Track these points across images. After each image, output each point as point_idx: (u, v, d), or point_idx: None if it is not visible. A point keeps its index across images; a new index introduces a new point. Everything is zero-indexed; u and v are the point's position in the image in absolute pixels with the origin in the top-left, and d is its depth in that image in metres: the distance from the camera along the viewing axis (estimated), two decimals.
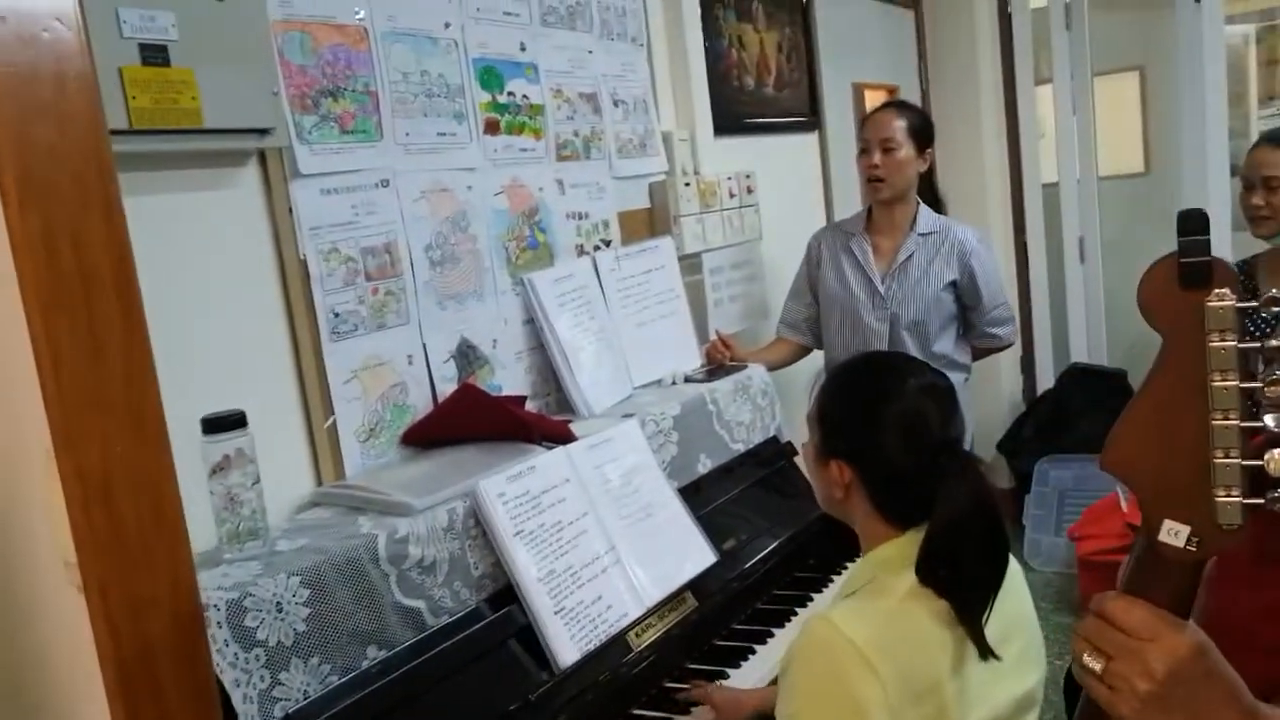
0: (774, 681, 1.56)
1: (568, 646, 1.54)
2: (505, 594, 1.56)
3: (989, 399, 3.97)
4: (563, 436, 1.79)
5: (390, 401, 1.77)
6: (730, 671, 1.70)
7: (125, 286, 0.76)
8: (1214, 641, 1.89)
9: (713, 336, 2.50)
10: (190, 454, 1.32)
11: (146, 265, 1.37)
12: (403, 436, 1.78)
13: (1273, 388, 0.64)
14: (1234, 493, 0.65)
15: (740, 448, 2.19)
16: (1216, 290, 0.65)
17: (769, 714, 1.27)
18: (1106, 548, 2.98)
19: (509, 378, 2.00)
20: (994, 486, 1.18)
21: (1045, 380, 4.19)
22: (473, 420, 1.80)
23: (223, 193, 1.50)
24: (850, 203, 3.28)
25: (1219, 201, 3.74)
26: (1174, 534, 0.67)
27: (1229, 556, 1.75)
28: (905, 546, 1.18)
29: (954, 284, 2.50)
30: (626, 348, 2.21)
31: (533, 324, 2.05)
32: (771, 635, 1.81)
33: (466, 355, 1.91)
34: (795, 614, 1.88)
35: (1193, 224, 0.66)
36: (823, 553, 2.07)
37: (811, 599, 1.95)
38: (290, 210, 1.58)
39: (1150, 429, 0.69)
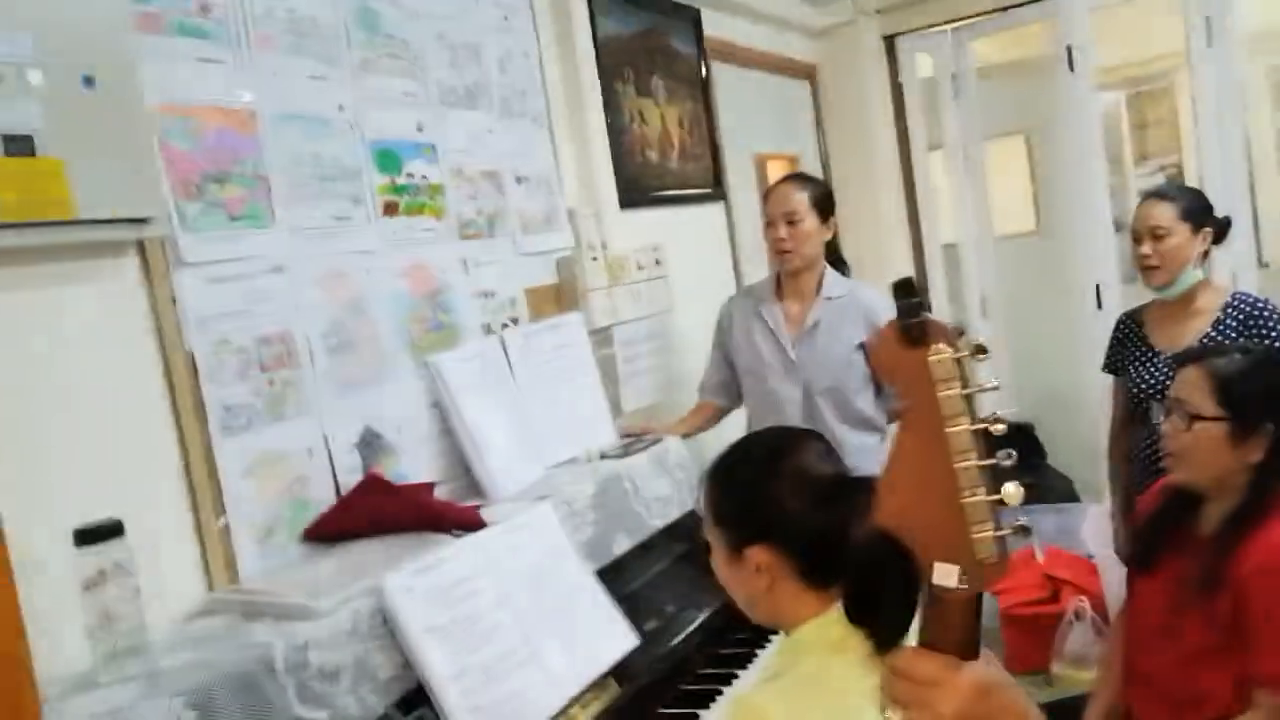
0: None
1: None
2: (417, 696, 1.48)
3: None
4: (473, 524, 1.73)
5: (290, 497, 1.68)
6: None
7: None
8: (1136, 691, 1.91)
9: (626, 411, 2.48)
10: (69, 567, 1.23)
11: (14, 366, 1.29)
12: (304, 533, 1.69)
13: (996, 425, 0.69)
14: (986, 527, 0.70)
15: (659, 523, 2.14)
16: (935, 345, 0.70)
17: None
18: (1026, 599, 2.99)
19: (416, 465, 1.92)
20: None
21: None
22: (379, 512, 1.72)
23: (99, 285, 1.42)
24: (758, 271, 3.31)
25: (1106, 255, 3.91)
26: (946, 575, 0.72)
27: (1144, 609, 1.78)
28: (826, 625, 1.16)
29: (863, 346, 2.52)
30: (538, 426, 2.16)
31: (439, 408, 1.98)
32: (697, 717, 1.75)
33: (371, 444, 1.84)
34: (721, 693, 1.83)
35: (905, 290, 0.72)
36: (746, 627, 2.02)
37: (737, 676, 1.89)
38: (174, 301, 1.50)
39: (907, 479, 0.73)
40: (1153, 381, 2.33)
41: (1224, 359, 1.71)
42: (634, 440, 2.31)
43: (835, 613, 1.15)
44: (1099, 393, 2.88)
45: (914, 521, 0.73)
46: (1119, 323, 2.55)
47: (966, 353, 0.70)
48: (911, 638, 1.12)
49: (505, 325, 2.22)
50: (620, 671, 1.74)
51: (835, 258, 2.65)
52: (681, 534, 2.18)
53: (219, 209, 1.60)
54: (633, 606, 1.86)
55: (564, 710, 1.61)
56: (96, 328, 1.42)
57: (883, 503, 0.76)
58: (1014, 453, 0.70)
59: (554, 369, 2.26)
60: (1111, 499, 2.65)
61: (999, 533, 0.70)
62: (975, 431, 0.70)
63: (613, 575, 1.91)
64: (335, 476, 1.76)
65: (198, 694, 1.22)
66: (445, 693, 1.47)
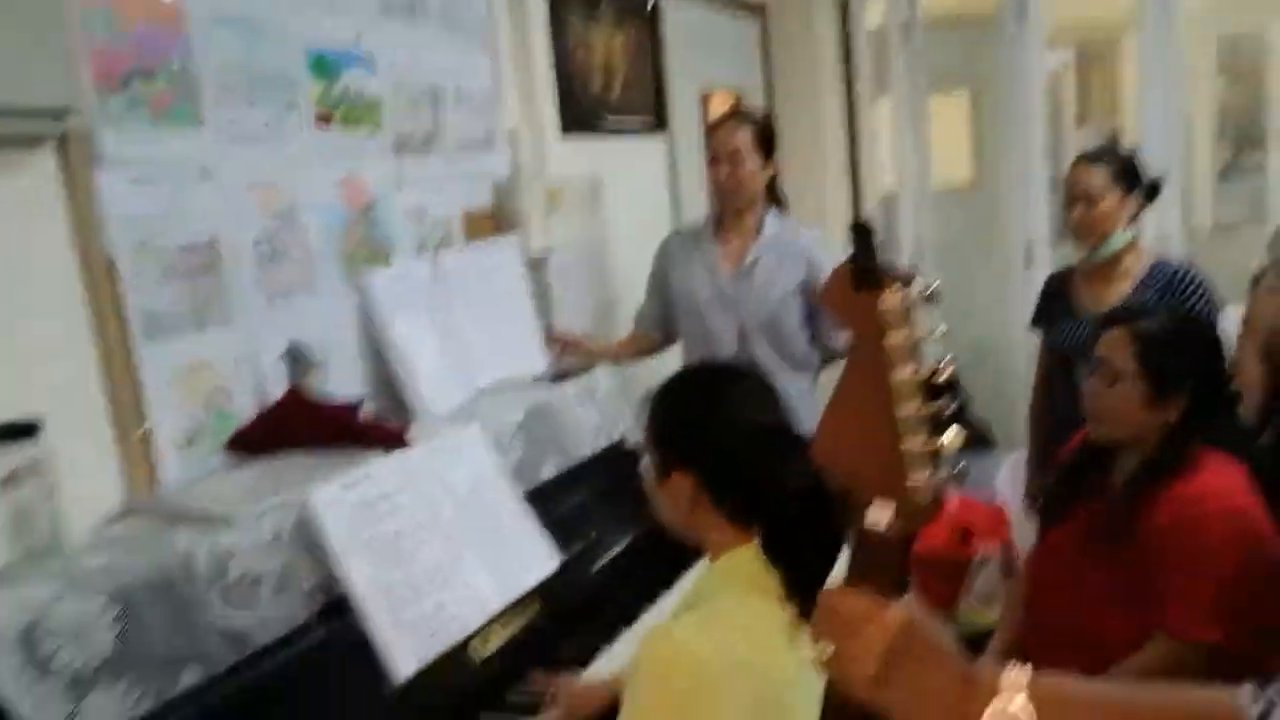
0: None
1: (406, 659, 1.48)
2: (339, 607, 1.49)
3: (826, 394, 4.07)
4: (400, 442, 1.72)
5: (213, 407, 1.66)
6: (576, 673, 1.67)
7: None
8: (1037, 632, 1.98)
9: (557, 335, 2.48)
10: None
11: None
12: (227, 444, 1.68)
13: (942, 373, 0.70)
14: (923, 472, 0.71)
15: (586, 452, 2.17)
16: (887, 289, 0.70)
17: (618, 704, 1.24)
18: (938, 544, 3.10)
19: (343, 381, 1.91)
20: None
21: None
22: (304, 426, 1.71)
23: (12, 180, 1.36)
24: (697, 205, 3.31)
25: (1039, 214, 3.99)
26: (879, 517, 0.72)
27: (1052, 555, 1.85)
28: (750, 551, 1.17)
29: (801, 287, 2.55)
30: (468, 350, 2.15)
31: (369, 325, 1.96)
32: (617, 638, 1.79)
33: (297, 358, 1.81)
34: (640, 617, 1.87)
35: (861, 232, 0.72)
36: (668, 555, 2.05)
37: (657, 601, 1.94)
38: (93, 201, 1.45)
39: (848, 420, 0.74)
40: (1075, 339, 2.40)
41: (1148, 320, 1.76)
42: (564, 370, 2.32)
43: (753, 549, 1.17)
44: (1023, 347, 2.96)
45: (851, 461, 0.74)
46: (1047, 281, 2.62)
47: (918, 298, 0.70)
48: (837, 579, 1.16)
49: (439, 246, 2.19)
50: (542, 592, 1.77)
51: (774, 196, 2.67)
52: (608, 463, 2.21)
53: (143, 107, 1.54)
54: (557, 530, 1.88)
55: (485, 627, 1.63)
56: (10, 223, 1.36)
57: (821, 440, 0.76)
58: (958, 400, 0.70)
59: (486, 293, 2.25)
60: (1028, 449, 2.74)
61: (935, 478, 0.71)
62: (920, 377, 0.70)
63: (538, 500, 1.93)
64: (260, 388, 1.74)
65: (118, 594, 1.21)
66: (368, 606, 1.48)
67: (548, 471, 2.05)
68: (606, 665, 1.70)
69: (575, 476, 2.11)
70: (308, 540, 1.49)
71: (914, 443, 0.70)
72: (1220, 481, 1.65)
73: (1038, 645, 1.84)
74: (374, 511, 1.58)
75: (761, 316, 2.53)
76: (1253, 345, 2.57)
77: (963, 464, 0.71)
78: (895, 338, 0.70)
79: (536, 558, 1.81)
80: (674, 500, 1.23)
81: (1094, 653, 1.69)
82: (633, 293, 2.74)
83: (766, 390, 1.26)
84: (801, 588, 1.14)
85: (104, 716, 1.16)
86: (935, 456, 0.71)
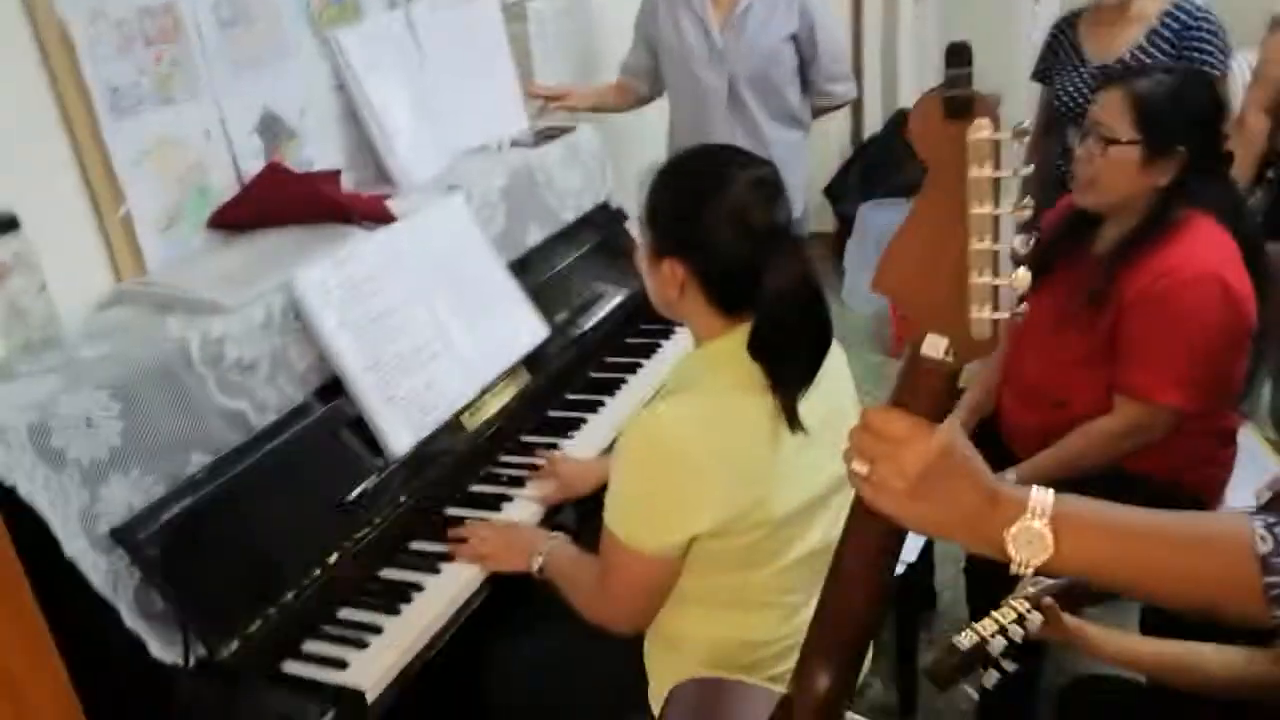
0: None
1: (401, 434, 1.55)
2: (333, 387, 1.54)
3: (816, 142, 3.99)
4: (382, 217, 1.71)
5: (190, 184, 1.63)
6: (563, 442, 1.76)
7: None
8: (1010, 390, 2.03)
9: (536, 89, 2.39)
10: None
11: None
12: (209, 222, 1.66)
13: (1019, 212, 0.69)
14: (986, 309, 0.71)
15: (571, 216, 2.15)
16: (977, 122, 0.67)
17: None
18: None
19: (321, 150, 1.86)
20: (817, 269, 1.21)
21: (873, 125, 4.24)
22: (285, 202, 1.69)
23: None
24: None
25: None
26: (935, 347, 0.73)
27: (1031, 324, 1.90)
28: (735, 341, 1.20)
29: (794, 37, 2.44)
30: (447, 111, 2.07)
31: (343, 89, 1.88)
32: (603, 404, 1.87)
33: (272, 128, 1.76)
34: (625, 382, 1.95)
35: (959, 57, 0.68)
36: (653, 318, 2.10)
37: (642, 365, 2.01)
38: None
39: (917, 251, 0.73)
40: (1075, 95, 2.31)
41: (1147, 80, 1.69)
42: (546, 130, 2.25)
43: (738, 340, 1.19)
44: (1023, 95, 2.85)
45: (915, 290, 0.73)
46: (1054, 27, 2.49)
47: (1008, 135, 0.67)
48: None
49: None
50: (531, 360, 1.83)
51: None
52: (593, 227, 2.20)
53: None
54: (543, 298, 1.91)
55: (477, 398, 1.70)
56: None
57: (887, 267, 0.75)
58: (1031, 240, 0.69)
59: (463, 48, 2.13)
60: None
61: (997, 315, 0.70)
62: (997, 215, 0.68)
63: (523, 267, 1.94)
64: (236, 162, 1.70)
65: (119, 385, 1.25)
66: (360, 384, 1.53)
67: (532, 238, 2.04)
68: (592, 433, 1.79)
69: (560, 240, 2.11)
70: (298, 322, 1.51)
71: (981, 278, 0.70)
72: (1202, 247, 1.65)
73: (1009, 403, 1.92)
74: (360, 291, 1.59)
75: (752, 68, 2.43)
76: (1260, 96, 2.49)
77: (1023, 306, 0.71)
78: (979, 172, 0.68)
79: (525, 327, 1.84)
80: (664, 284, 1.24)
81: (1062, 412, 1.77)
82: (618, 43, 2.61)
83: (768, 183, 1.22)
84: (785, 384, 1.19)
85: (120, 505, 1.23)
86: (998, 293, 0.70)
